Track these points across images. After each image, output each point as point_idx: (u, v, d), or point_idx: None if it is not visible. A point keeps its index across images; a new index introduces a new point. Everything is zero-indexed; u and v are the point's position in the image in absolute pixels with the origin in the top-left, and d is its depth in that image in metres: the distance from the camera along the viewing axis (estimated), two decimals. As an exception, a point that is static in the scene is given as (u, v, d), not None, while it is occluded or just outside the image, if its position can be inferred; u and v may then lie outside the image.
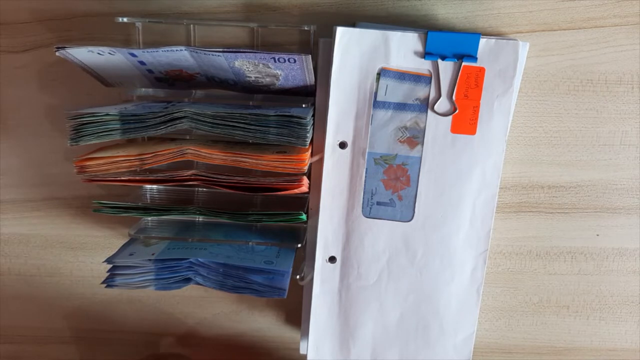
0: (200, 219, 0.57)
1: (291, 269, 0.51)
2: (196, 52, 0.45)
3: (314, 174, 0.53)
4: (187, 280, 0.51)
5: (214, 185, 0.48)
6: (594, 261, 0.59)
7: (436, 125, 0.50)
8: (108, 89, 0.53)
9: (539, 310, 0.61)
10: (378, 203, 0.52)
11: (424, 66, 0.49)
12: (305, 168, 0.47)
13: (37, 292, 0.63)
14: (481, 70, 0.48)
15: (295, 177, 0.47)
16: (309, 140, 0.47)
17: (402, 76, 0.49)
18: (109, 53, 0.46)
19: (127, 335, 0.64)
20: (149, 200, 0.55)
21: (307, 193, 0.52)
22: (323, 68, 0.51)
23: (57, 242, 0.61)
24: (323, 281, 0.54)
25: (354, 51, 0.48)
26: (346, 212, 0.52)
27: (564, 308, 0.61)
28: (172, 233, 0.54)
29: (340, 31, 0.48)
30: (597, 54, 0.53)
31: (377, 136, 0.51)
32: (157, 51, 0.45)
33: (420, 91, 0.50)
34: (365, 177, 0.51)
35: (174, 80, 0.52)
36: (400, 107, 0.50)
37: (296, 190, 0.48)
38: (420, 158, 0.51)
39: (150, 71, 0.50)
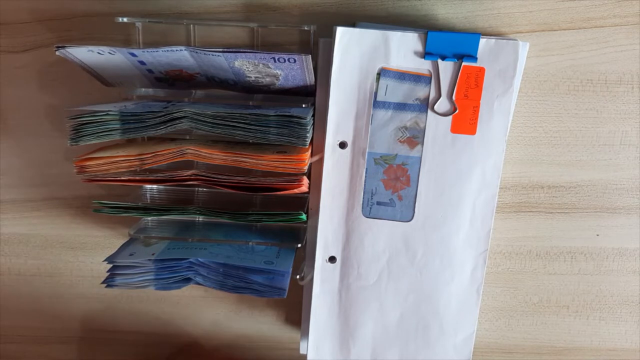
0: (200, 219, 0.57)
1: (291, 269, 0.51)
2: (196, 52, 0.45)
3: (314, 174, 0.53)
4: (187, 280, 0.51)
5: (214, 185, 0.48)
6: (594, 261, 0.59)
7: (436, 125, 0.50)
8: (108, 89, 0.53)
9: (539, 310, 0.61)
10: (378, 203, 0.52)
11: (424, 66, 0.49)
12: (305, 168, 0.47)
13: (37, 292, 0.63)
14: (481, 70, 0.48)
15: (295, 177, 0.47)
16: (309, 140, 0.47)
17: (402, 76, 0.49)
18: (109, 53, 0.46)
19: (127, 335, 0.64)
20: (149, 200, 0.55)
21: (307, 193, 0.52)
22: (323, 68, 0.51)
23: (57, 242, 0.61)
24: (323, 281, 0.54)
25: (354, 51, 0.48)
26: (346, 212, 0.52)
27: (564, 308, 0.61)
28: (172, 233, 0.54)
29: (340, 31, 0.48)
30: (597, 54, 0.53)
31: (377, 136, 0.51)
32: (157, 51, 0.45)
33: (420, 91, 0.50)
34: (365, 177, 0.51)
35: (174, 80, 0.52)
36: (400, 107, 0.50)
37: (296, 190, 0.48)
38: (420, 158, 0.51)
39: (150, 71, 0.50)
